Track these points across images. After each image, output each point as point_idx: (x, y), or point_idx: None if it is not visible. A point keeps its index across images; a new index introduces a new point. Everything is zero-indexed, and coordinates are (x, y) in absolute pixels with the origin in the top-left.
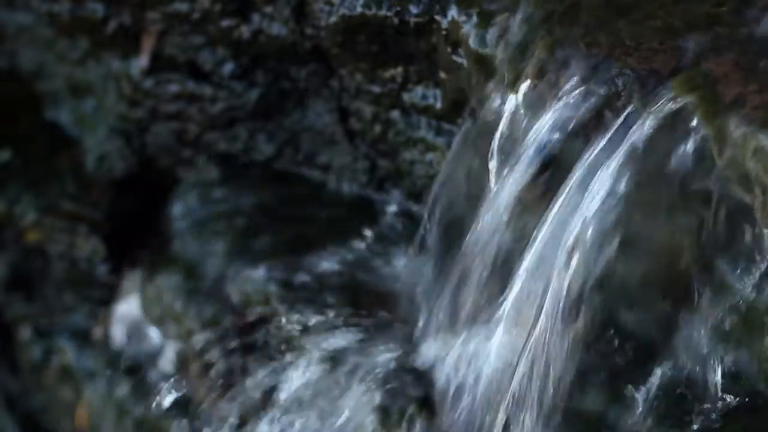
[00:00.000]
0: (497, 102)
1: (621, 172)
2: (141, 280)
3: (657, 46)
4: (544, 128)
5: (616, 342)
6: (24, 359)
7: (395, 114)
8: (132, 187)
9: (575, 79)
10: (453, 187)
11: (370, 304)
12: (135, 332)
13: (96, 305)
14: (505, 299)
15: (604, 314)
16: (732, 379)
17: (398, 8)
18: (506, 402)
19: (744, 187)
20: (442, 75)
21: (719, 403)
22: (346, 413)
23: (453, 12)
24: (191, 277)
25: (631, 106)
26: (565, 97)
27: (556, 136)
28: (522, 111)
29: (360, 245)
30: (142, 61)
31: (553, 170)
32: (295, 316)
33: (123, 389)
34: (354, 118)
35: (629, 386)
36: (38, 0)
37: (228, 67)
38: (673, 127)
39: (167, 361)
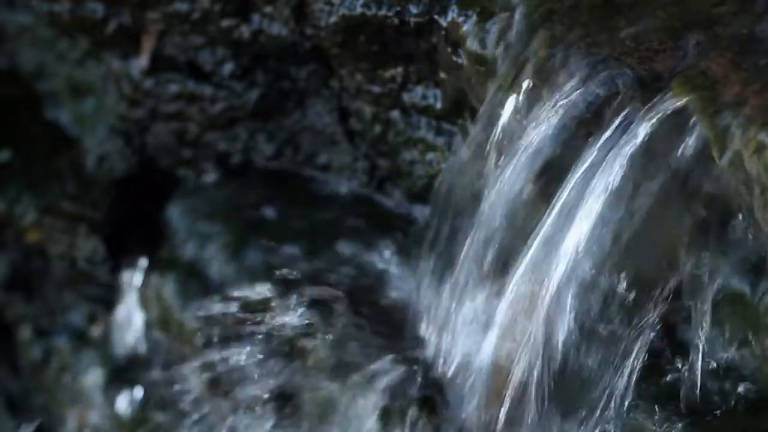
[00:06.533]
0: (497, 102)
1: (621, 172)
2: (141, 280)
3: (657, 46)
4: (544, 128)
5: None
6: (24, 359)
7: (395, 114)
8: (132, 187)
9: (575, 79)
10: (457, 186)
11: (371, 304)
12: (135, 332)
13: (96, 305)
14: (503, 298)
15: (604, 313)
16: (732, 379)
17: (398, 8)
18: (507, 397)
19: (744, 187)
20: (442, 75)
21: (720, 404)
22: (348, 413)
23: (453, 12)
24: (191, 277)
25: (631, 106)
26: (565, 97)
27: (556, 136)
28: (522, 111)
29: (360, 245)
30: (142, 61)
31: (552, 170)
32: (296, 317)
33: (122, 389)
34: (354, 118)
35: (630, 387)
36: (38, 0)
37: (228, 67)
38: (672, 127)
39: (167, 361)
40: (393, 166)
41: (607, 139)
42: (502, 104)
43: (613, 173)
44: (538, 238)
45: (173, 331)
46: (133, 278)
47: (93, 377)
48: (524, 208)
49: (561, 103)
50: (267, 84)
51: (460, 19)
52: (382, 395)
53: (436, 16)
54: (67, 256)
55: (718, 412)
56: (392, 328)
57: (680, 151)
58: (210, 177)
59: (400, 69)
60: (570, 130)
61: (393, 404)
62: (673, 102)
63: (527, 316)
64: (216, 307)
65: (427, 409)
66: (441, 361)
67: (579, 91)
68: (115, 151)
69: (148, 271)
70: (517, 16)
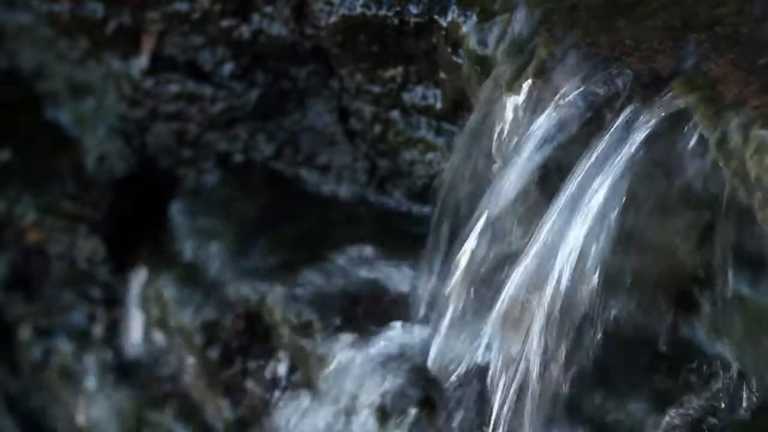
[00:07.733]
0: (497, 102)
1: (621, 172)
2: (141, 281)
3: (657, 46)
4: (544, 128)
5: (618, 343)
6: (24, 359)
7: (395, 114)
8: (132, 187)
9: (575, 79)
10: (456, 186)
11: (371, 304)
12: (135, 332)
13: (96, 305)
14: (501, 299)
15: (604, 315)
16: (736, 380)
17: (398, 8)
18: (506, 398)
19: (744, 187)
20: (442, 75)
21: (723, 405)
22: (347, 414)
23: (453, 12)
24: (191, 277)
25: (631, 106)
26: (565, 97)
27: (556, 136)
28: (522, 111)
29: (360, 245)
30: (142, 61)
31: (553, 170)
32: (295, 317)
33: (123, 389)
34: (354, 118)
35: (630, 388)
36: (38, 0)
37: (228, 67)
38: (673, 127)
39: (167, 361)
40: (393, 166)
41: (607, 139)
42: (502, 105)
43: (613, 174)
44: (539, 240)
45: (173, 332)
46: (133, 278)
47: (93, 377)
48: (525, 207)
49: (561, 103)
50: (267, 84)
51: (460, 19)
52: (382, 395)
53: (436, 16)
54: (67, 256)
55: (724, 414)
56: (394, 325)
57: (681, 151)
58: (210, 177)
59: (400, 69)
60: (570, 131)
61: (393, 404)
62: (673, 102)
63: (523, 320)
64: (215, 308)
65: (427, 409)
66: (441, 357)
67: (579, 91)
68: (115, 151)
69: (148, 271)
70: (517, 16)
